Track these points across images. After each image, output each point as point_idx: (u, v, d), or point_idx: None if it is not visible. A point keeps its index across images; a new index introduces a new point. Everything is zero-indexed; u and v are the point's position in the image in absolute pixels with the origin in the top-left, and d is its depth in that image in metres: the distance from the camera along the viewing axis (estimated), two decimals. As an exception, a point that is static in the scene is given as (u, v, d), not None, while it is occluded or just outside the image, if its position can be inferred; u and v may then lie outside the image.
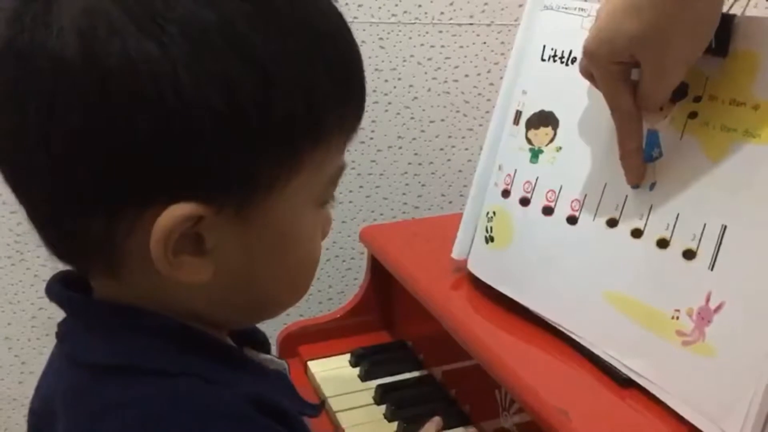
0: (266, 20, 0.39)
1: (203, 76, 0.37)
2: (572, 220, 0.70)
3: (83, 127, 0.37)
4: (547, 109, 0.74)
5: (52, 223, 0.42)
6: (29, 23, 0.37)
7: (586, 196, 0.69)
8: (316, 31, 0.42)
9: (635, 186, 0.65)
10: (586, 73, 0.63)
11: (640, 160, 0.64)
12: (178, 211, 0.39)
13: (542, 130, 0.74)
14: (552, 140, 0.74)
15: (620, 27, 0.56)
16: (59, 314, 0.47)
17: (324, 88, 0.42)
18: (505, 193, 0.77)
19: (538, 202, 0.73)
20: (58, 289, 0.46)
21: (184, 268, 0.41)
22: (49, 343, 0.48)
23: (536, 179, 0.74)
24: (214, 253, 0.42)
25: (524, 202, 0.74)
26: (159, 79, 0.36)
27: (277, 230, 0.44)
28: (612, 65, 0.58)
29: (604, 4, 0.59)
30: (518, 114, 0.77)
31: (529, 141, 0.75)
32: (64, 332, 0.47)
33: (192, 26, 0.37)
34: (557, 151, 0.73)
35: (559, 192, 0.71)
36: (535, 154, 0.75)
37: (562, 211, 0.71)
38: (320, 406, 0.51)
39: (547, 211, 0.72)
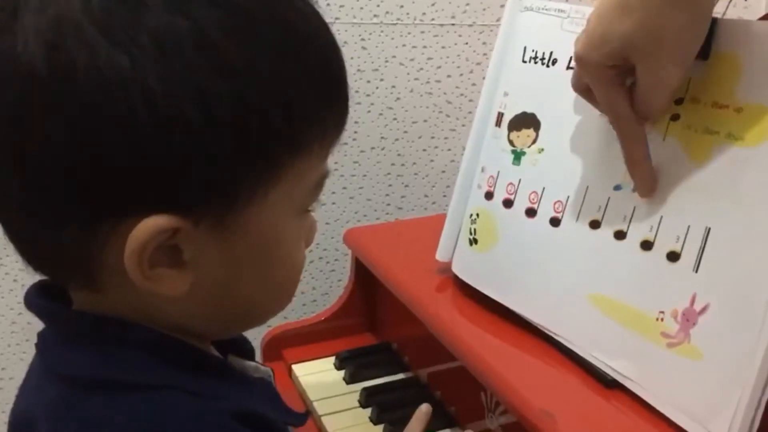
0: (242, 28, 0.38)
1: (176, 87, 0.36)
2: (555, 221, 0.70)
3: (53, 139, 0.36)
4: (528, 110, 0.74)
5: (26, 236, 0.42)
6: None
7: (568, 197, 0.69)
8: (296, 37, 0.41)
9: (645, 197, 0.62)
10: (581, 86, 0.62)
11: (651, 168, 0.61)
12: (152, 224, 0.38)
13: (524, 131, 0.75)
14: (534, 142, 0.74)
15: (611, 27, 0.55)
16: (39, 320, 0.46)
17: (304, 96, 0.41)
18: (489, 195, 0.77)
19: (521, 204, 0.73)
20: (36, 299, 0.45)
21: (161, 280, 0.40)
22: (29, 349, 0.47)
23: (519, 181, 0.74)
24: (192, 265, 0.41)
25: (507, 203, 0.75)
26: (130, 91, 0.36)
27: (258, 240, 0.43)
28: (605, 69, 0.57)
29: (594, 9, 0.58)
30: (500, 116, 0.77)
31: (511, 143, 0.75)
32: (43, 344, 0.46)
33: (164, 36, 0.36)
34: (539, 152, 0.73)
35: (542, 194, 0.72)
36: (518, 155, 0.75)
37: (545, 212, 0.71)
38: (306, 416, 0.50)
39: (530, 212, 0.72)
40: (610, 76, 0.57)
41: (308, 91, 0.41)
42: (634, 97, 0.58)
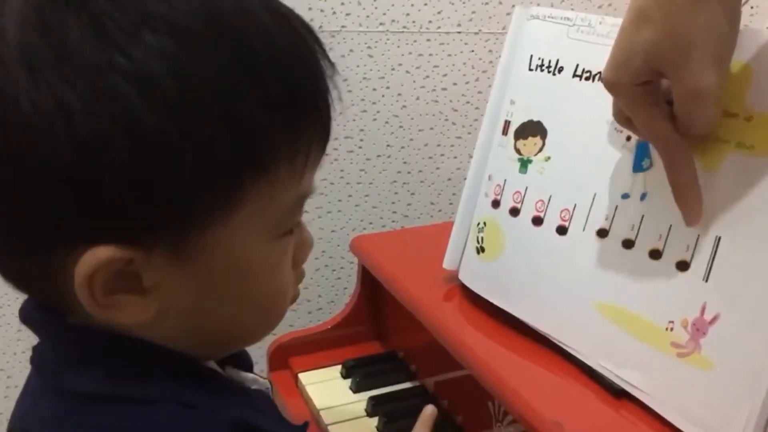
0: (180, 52, 0.36)
1: (102, 121, 0.35)
2: (562, 230, 0.70)
3: None
4: (535, 118, 0.74)
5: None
6: None
7: (575, 205, 0.69)
8: (249, 53, 0.38)
9: (693, 225, 0.58)
10: (621, 117, 0.58)
11: (699, 193, 0.56)
12: (97, 255, 0.37)
13: (531, 140, 0.74)
14: (541, 150, 0.73)
15: (633, 41, 0.50)
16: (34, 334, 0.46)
17: (258, 117, 0.38)
18: (495, 204, 0.76)
19: (527, 213, 0.73)
20: (31, 312, 0.45)
21: (120, 307, 0.40)
22: (35, 357, 0.47)
23: (525, 189, 0.74)
24: (155, 291, 0.40)
25: (514, 212, 0.74)
26: (52, 127, 0.35)
27: (225, 265, 0.42)
28: (636, 89, 0.52)
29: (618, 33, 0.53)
30: (507, 124, 0.77)
31: (518, 151, 0.75)
32: (39, 357, 0.45)
33: (88, 70, 0.35)
34: (546, 160, 0.73)
35: (549, 202, 0.71)
36: (524, 164, 0.75)
37: (552, 221, 0.70)
38: (304, 428, 0.50)
39: (537, 221, 0.72)
40: (643, 95, 0.53)
41: (264, 111, 0.38)
42: (674, 114, 0.53)
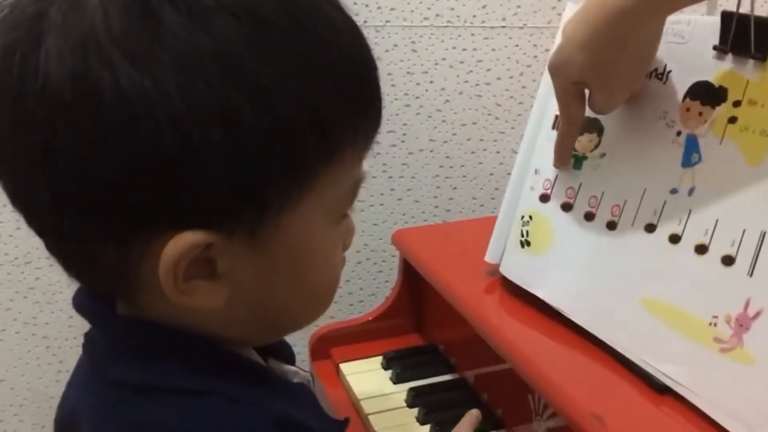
0: (265, 41, 0.38)
1: (199, 106, 0.36)
2: (612, 225, 0.69)
3: (81, 162, 0.37)
4: (591, 115, 0.74)
5: (66, 255, 0.42)
6: (19, 61, 0.36)
7: (625, 201, 0.69)
8: (322, 44, 0.40)
9: (557, 167, 0.76)
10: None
11: (571, 148, 0.74)
12: (184, 240, 0.38)
13: (587, 136, 0.74)
14: (597, 146, 0.73)
15: (573, 56, 0.64)
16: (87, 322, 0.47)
17: (332, 105, 0.40)
18: (544, 198, 0.76)
19: (580, 208, 0.73)
20: (83, 300, 0.46)
21: (197, 293, 0.40)
22: (86, 342, 0.48)
23: (579, 185, 0.74)
24: (227, 277, 0.41)
25: (566, 207, 0.74)
26: (153, 112, 0.35)
27: (292, 249, 0.43)
28: (569, 84, 0.68)
29: (566, 26, 0.66)
30: (557, 118, 0.77)
31: None
32: (90, 345, 0.47)
33: (185, 55, 0.36)
34: (601, 157, 0.73)
35: (601, 198, 0.71)
36: (579, 160, 0.74)
37: (603, 216, 0.70)
38: (345, 423, 0.50)
39: (589, 216, 0.72)
40: (572, 89, 0.68)
41: (337, 99, 0.40)
42: (588, 103, 0.69)
